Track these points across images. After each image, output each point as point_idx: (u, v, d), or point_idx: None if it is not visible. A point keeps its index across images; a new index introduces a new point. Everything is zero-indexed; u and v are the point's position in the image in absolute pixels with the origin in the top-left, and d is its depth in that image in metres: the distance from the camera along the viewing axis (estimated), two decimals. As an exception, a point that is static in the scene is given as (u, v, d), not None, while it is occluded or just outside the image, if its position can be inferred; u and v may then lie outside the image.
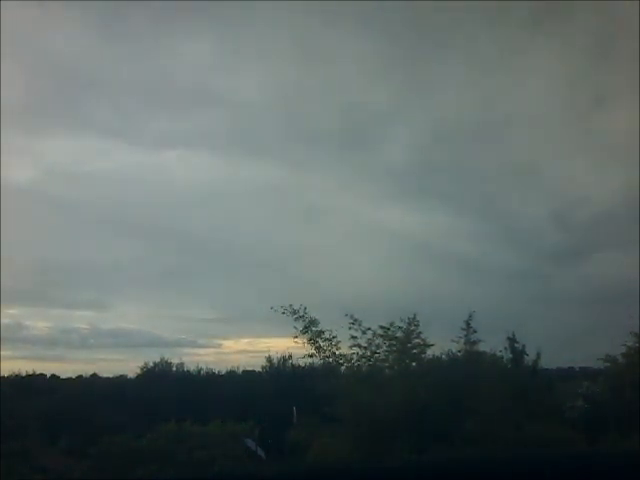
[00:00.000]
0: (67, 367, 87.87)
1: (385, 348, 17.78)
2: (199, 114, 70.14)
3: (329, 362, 18.05)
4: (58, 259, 61.17)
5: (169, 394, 35.12)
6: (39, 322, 69.11)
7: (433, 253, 65.38)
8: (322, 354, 17.71)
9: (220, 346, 66.50)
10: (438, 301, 42.17)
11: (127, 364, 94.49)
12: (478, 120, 66.78)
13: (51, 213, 66.78)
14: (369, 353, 17.67)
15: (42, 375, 47.26)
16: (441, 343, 19.10)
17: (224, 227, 69.61)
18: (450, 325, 19.05)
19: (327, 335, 17.62)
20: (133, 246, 65.08)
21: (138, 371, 44.53)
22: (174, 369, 44.59)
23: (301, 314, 17.54)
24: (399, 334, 17.75)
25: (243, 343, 76.29)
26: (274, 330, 41.84)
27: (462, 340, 17.95)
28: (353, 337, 17.51)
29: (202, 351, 73.18)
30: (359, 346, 17.58)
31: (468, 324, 17.86)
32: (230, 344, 70.68)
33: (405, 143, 69.81)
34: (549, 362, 22.04)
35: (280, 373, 39.64)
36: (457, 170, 67.52)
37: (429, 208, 72.09)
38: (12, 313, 63.19)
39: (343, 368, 18.16)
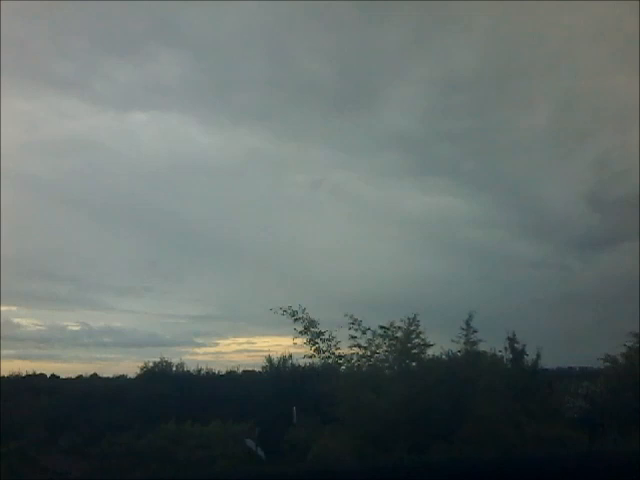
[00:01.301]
0: (66, 367, 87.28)
1: (385, 348, 17.80)
2: (169, 62, 58.15)
3: (329, 362, 18.06)
4: (40, 251, 56.88)
5: (169, 394, 35.07)
6: (32, 320, 66.31)
7: (441, 241, 59.84)
8: (321, 355, 17.73)
9: (218, 345, 66.03)
10: (440, 297, 40.50)
11: (127, 364, 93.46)
12: (503, 71, 53.43)
13: (16, 194, 56.76)
14: (369, 353, 17.68)
15: (42, 375, 47.27)
16: (441, 343, 19.13)
17: (209, 211, 62.95)
18: (451, 324, 19.03)
19: (327, 336, 17.65)
20: (118, 235, 60.85)
21: (138, 371, 44.54)
22: (174, 369, 44.56)
23: (300, 315, 17.54)
24: (399, 334, 17.77)
25: (242, 342, 76.02)
26: (273, 329, 41.67)
27: (462, 340, 17.98)
28: (353, 337, 17.54)
29: (200, 350, 72.46)
30: (359, 346, 17.60)
31: (468, 324, 17.88)
32: (228, 343, 70.38)
33: (414, 103, 57.50)
34: (549, 362, 22.02)
35: (280, 373, 39.57)
36: (474, 138, 55.88)
37: (438, 187, 62.29)
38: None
39: (343, 368, 18.17)
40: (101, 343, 62.51)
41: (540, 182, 57.29)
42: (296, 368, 37.71)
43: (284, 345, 43.44)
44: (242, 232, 60.35)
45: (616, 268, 43.21)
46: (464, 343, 17.97)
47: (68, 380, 47.07)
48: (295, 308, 17.60)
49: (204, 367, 45.40)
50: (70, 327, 62.25)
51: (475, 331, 17.90)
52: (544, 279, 50.38)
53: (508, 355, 19.16)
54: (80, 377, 48.47)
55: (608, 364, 21.68)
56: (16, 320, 61.06)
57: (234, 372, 47.24)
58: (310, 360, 19.06)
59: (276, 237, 59.38)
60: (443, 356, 19.50)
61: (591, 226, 52.99)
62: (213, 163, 65.02)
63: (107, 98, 64.41)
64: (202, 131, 64.52)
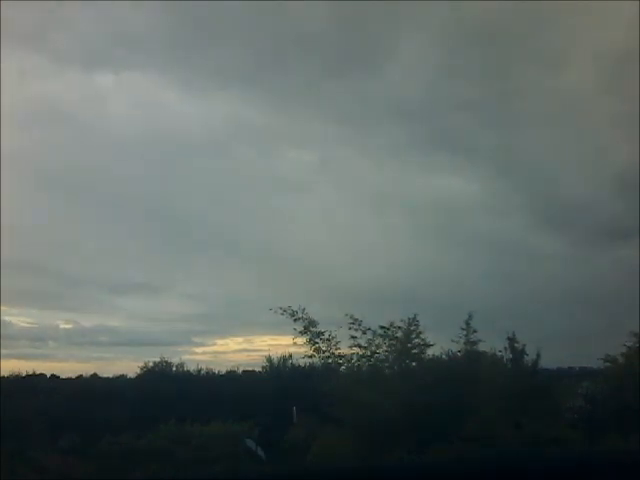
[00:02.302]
0: (63, 366, 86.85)
1: (385, 348, 17.80)
2: (139, 10, 48.79)
3: (329, 362, 18.06)
4: (27, 245, 52.25)
5: (169, 394, 35.08)
6: (23, 319, 64.18)
7: (445, 230, 53.86)
8: (321, 355, 17.73)
9: (217, 345, 65.52)
10: (441, 296, 38.94)
11: (125, 363, 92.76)
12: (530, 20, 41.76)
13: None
14: (369, 353, 17.68)
15: (42, 375, 47.25)
16: (441, 343, 19.14)
17: (202, 198, 57.37)
18: (451, 324, 19.02)
19: (327, 336, 17.64)
20: (106, 227, 55.90)
21: (138, 371, 44.56)
22: (174, 369, 44.58)
23: (300, 315, 17.53)
24: (399, 334, 17.77)
25: (240, 342, 75.76)
26: (272, 328, 41.44)
27: (462, 340, 17.98)
28: (353, 337, 17.54)
29: (199, 350, 71.55)
30: (359, 346, 17.60)
31: (468, 324, 17.89)
32: (227, 343, 69.98)
33: (420, 62, 47.84)
34: (549, 362, 22.00)
35: (280, 373, 39.58)
36: (490, 107, 47.23)
37: (446, 166, 54.01)
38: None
39: (343, 368, 18.17)
40: (97, 342, 61.14)
41: (565, 160, 47.74)
42: (296, 368, 37.74)
43: (283, 345, 43.37)
44: (237, 222, 57.42)
45: (630, 263, 35.48)
46: (464, 343, 17.98)
47: (68, 380, 47.04)
48: (295, 308, 17.61)
49: (204, 367, 45.50)
50: (64, 326, 60.50)
51: (475, 331, 17.92)
52: (553, 275, 44.47)
53: (508, 355, 19.16)
54: (80, 377, 48.44)
55: (608, 364, 21.68)
56: (8, 319, 59.22)
57: (234, 372, 47.30)
58: (310, 360, 19.11)
59: (271, 228, 56.04)
60: (443, 356, 19.53)
61: (616, 214, 44.32)
62: (196, 136, 58.12)
63: (68, 54, 55.37)
64: (181, 98, 58.45)
